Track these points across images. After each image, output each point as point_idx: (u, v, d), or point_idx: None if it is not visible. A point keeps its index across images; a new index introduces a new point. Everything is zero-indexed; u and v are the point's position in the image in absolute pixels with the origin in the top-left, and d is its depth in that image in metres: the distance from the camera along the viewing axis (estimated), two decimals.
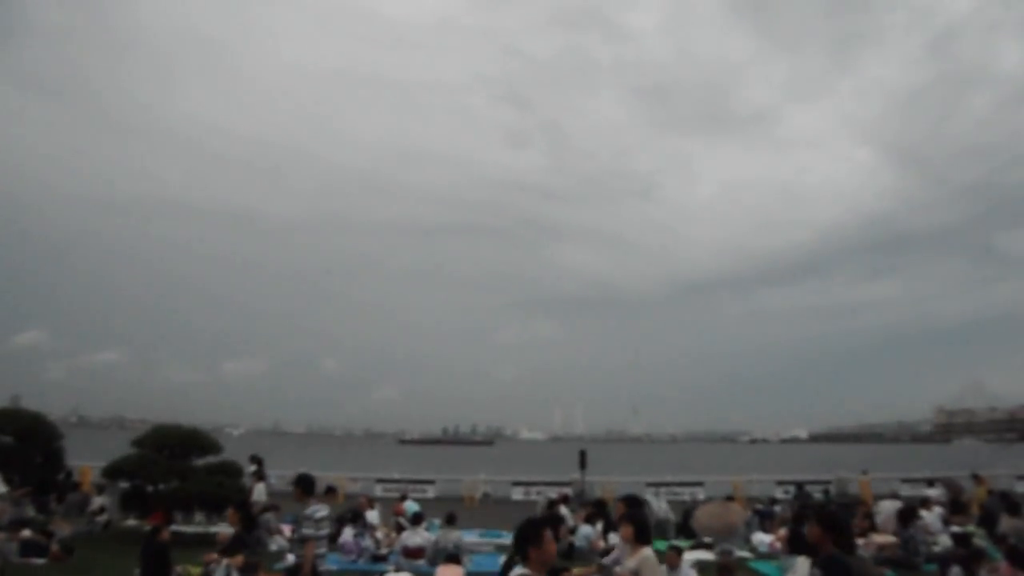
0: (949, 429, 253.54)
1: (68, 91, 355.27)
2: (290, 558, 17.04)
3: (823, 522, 6.39)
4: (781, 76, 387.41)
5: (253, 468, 31.19)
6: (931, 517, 19.31)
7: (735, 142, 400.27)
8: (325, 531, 9.88)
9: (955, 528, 17.67)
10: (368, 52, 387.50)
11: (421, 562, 16.35)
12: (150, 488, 20.01)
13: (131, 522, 20.13)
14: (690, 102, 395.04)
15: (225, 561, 8.62)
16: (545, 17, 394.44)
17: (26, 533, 16.74)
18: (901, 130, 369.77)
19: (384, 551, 17.73)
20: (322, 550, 9.72)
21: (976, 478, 25.63)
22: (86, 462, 30.58)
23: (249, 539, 10.30)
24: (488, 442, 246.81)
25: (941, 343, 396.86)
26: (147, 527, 17.65)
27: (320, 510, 9.71)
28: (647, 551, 7.29)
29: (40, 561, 14.75)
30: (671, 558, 12.51)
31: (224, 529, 18.73)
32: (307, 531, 9.50)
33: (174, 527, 16.60)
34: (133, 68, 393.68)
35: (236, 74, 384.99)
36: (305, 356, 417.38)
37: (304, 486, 9.85)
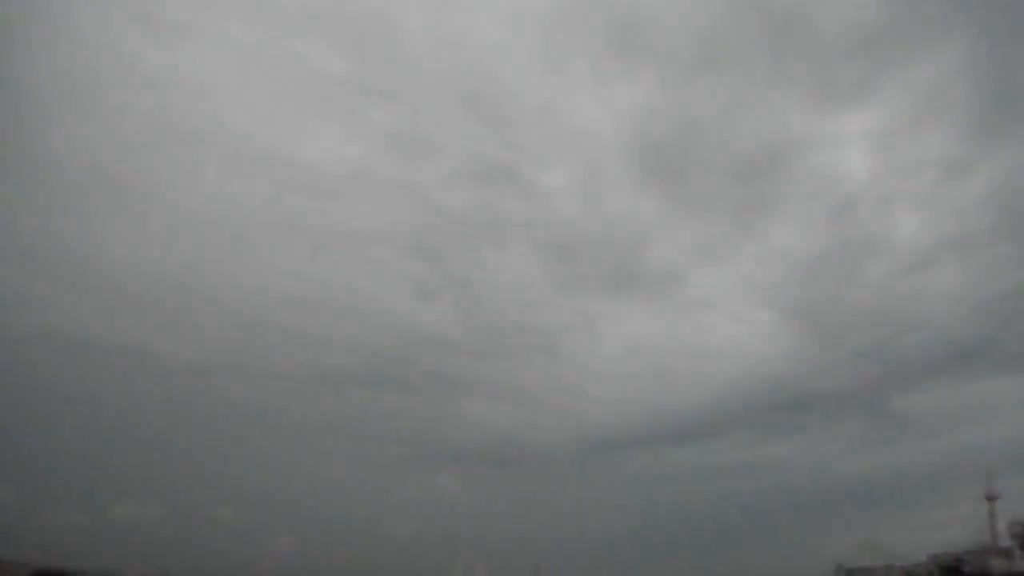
0: None
1: None
2: None
3: None
4: (687, 239, 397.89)
5: None
6: None
7: (641, 301, 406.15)
8: None
9: None
10: (280, 197, 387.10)
11: None
12: None
13: None
14: (598, 261, 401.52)
15: None
16: (459, 171, 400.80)
17: None
18: (801, 294, 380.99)
19: None
20: None
21: None
22: None
23: None
24: None
25: (839, 502, 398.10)
26: None
27: None
28: None
29: None
30: None
31: None
32: None
33: None
34: (41, 198, 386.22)
35: (144, 210, 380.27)
36: (199, 503, 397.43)
37: None
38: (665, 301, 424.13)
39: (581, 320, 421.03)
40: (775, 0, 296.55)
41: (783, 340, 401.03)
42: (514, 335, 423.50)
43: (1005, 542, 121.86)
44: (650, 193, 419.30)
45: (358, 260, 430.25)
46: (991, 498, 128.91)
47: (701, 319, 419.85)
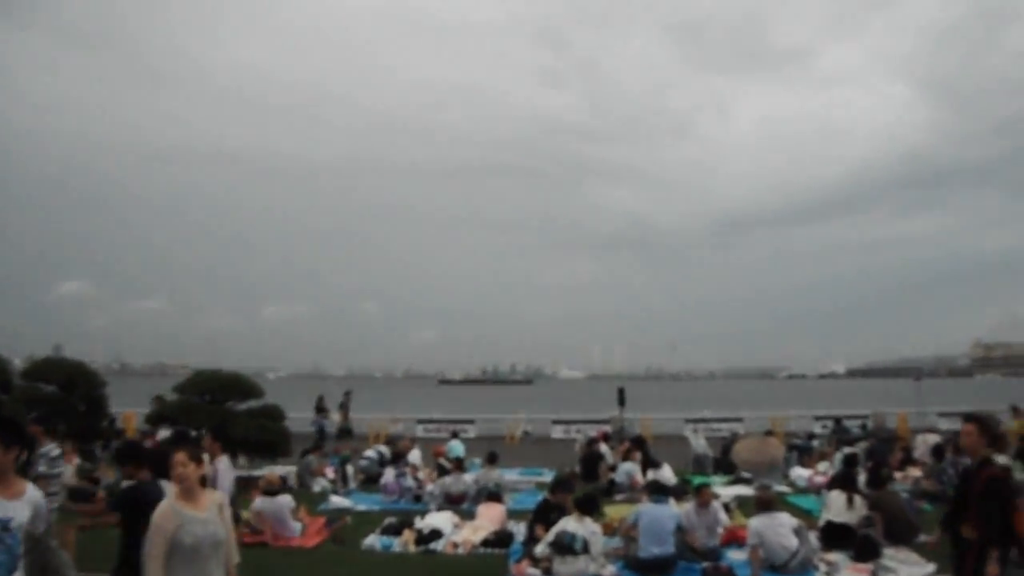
0: (987, 363, 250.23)
1: (105, 42, 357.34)
2: (333, 499, 17.48)
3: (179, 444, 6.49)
4: (816, 12, 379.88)
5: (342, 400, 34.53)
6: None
7: (770, 79, 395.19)
8: (58, 470, 10.33)
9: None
10: None
11: (464, 505, 16.58)
12: (193, 433, 20.48)
13: None
14: (725, 39, 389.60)
15: None
16: None
17: (72, 480, 17.28)
18: (935, 65, 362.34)
19: (428, 489, 17.89)
20: (54, 489, 9.94)
21: (1015, 411, 25.48)
22: (129, 409, 31.13)
23: (30, 471, 10.69)
24: (527, 381, 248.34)
25: (978, 277, 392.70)
26: None
27: (53, 450, 10.21)
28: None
29: (88, 506, 15.06)
30: (702, 496, 12.63)
31: (271, 471, 19.17)
32: (41, 469, 9.87)
33: None
34: (170, 18, 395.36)
35: (273, 19, 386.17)
36: (344, 300, 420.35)
37: (44, 426, 10.64)
38: (795, 77, 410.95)
39: (711, 99, 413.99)
40: None
41: (918, 113, 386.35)
42: (643, 118, 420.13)
43: None
44: None
45: (483, 53, 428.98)
46: None
47: (832, 94, 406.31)
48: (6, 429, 5.52)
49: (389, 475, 18.47)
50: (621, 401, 33.75)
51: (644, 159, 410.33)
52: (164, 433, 21.93)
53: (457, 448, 22.00)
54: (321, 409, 33.09)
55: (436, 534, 13.31)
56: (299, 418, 33.06)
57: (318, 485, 19.28)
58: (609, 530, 12.60)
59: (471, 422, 37.67)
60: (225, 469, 9.92)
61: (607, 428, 30.46)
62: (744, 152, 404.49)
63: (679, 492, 15.64)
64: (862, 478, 14.57)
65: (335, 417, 33.45)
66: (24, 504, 5.60)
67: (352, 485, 19.81)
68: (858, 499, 12.63)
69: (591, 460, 20.90)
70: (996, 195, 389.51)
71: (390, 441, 25.37)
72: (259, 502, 13.91)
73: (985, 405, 34.04)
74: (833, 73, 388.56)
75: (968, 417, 7.61)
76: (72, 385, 21.54)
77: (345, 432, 29.25)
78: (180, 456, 5.70)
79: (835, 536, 12.20)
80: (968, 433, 7.22)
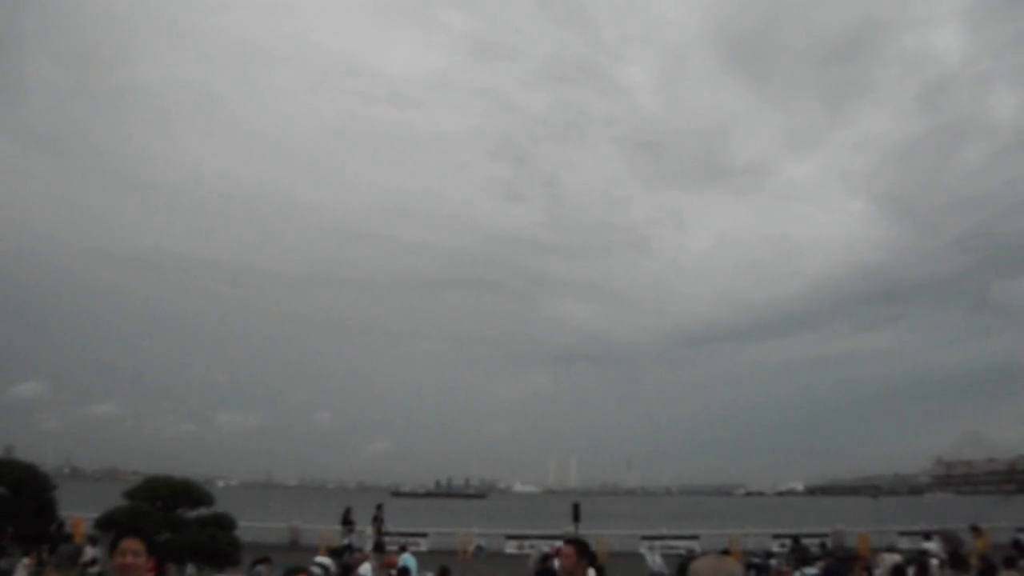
0: (947, 481, 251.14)
1: (67, 146, 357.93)
2: None
3: None
4: (774, 129, 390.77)
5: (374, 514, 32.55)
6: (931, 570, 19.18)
7: (728, 194, 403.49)
8: None
9: None
10: (365, 109, 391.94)
11: None
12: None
13: None
14: (683, 155, 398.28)
15: None
16: (540, 72, 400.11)
17: None
18: (894, 182, 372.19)
19: None
20: None
21: (975, 530, 25.49)
22: (79, 513, 30.29)
23: None
24: (481, 495, 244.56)
25: (938, 394, 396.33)
26: None
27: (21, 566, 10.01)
28: None
29: None
30: None
31: None
32: None
33: None
34: (133, 125, 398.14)
35: (234, 130, 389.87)
36: (299, 409, 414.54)
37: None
38: (754, 193, 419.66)
39: (668, 215, 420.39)
40: None
41: (877, 229, 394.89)
42: (602, 232, 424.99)
43: None
44: (734, 83, 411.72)
45: (444, 166, 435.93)
46: None
47: (791, 210, 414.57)
48: (151, 542, 5.32)
49: None
50: (576, 517, 33.36)
51: (602, 273, 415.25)
52: None
53: (409, 561, 21.47)
54: (348, 522, 32.35)
55: None
56: (250, 527, 32.22)
57: None
58: None
59: (423, 535, 37.04)
60: None
61: (561, 544, 30.04)
62: (702, 267, 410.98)
63: None
64: None
65: (368, 531, 32.58)
66: None
67: None
68: None
69: None
70: (955, 311, 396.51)
71: (334, 553, 24.69)
72: None
73: (944, 523, 34.05)
74: (791, 189, 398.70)
75: (568, 540, 7.65)
76: (21, 487, 21.04)
77: (380, 547, 28.42)
78: None
79: None
80: (567, 555, 7.23)
